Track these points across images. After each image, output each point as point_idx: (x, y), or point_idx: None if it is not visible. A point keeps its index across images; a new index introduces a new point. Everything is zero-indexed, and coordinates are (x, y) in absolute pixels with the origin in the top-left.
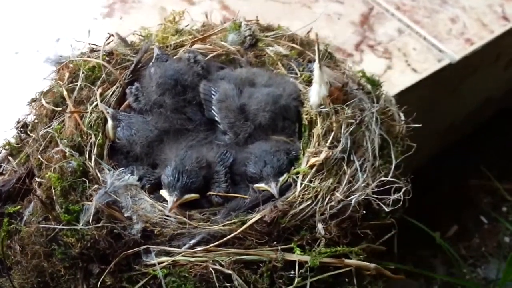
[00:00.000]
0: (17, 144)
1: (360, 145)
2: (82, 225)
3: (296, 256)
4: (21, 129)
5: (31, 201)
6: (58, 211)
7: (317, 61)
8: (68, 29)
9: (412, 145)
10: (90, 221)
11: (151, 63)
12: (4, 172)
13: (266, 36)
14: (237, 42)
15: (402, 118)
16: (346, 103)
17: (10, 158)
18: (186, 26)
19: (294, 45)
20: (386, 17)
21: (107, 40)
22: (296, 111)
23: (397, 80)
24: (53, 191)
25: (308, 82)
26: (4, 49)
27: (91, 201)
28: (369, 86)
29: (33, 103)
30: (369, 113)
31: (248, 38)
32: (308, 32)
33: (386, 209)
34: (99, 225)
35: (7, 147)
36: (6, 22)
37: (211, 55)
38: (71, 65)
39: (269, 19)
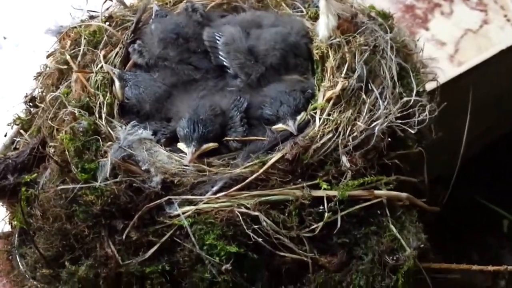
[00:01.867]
0: (27, 118)
1: (377, 74)
2: (100, 182)
3: (323, 191)
4: (30, 103)
5: (46, 167)
6: (74, 171)
7: None
8: None
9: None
10: (108, 177)
11: (151, 20)
12: (17, 146)
13: None
14: None
15: (419, 47)
16: (358, 33)
17: (22, 131)
18: None
19: None
20: None
21: (105, 3)
22: (307, 48)
23: (495, 38)
24: (67, 153)
25: (315, 19)
26: None
27: (106, 157)
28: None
29: (39, 77)
30: (383, 40)
31: None
32: None
33: (412, 131)
34: (117, 180)
35: (18, 122)
36: None
37: (211, 4)
38: (72, 34)
39: None
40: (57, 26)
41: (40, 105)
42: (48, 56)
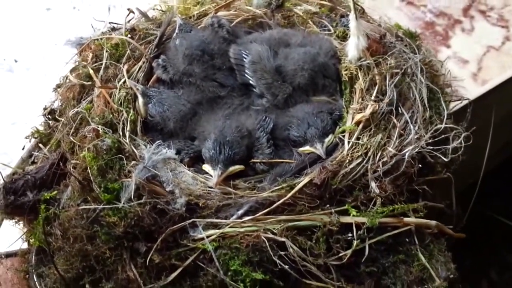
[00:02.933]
0: (46, 131)
1: (406, 97)
2: (124, 203)
3: (352, 217)
4: (49, 116)
5: (67, 185)
6: (97, 191)
7: (352, 11)
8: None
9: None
10: (132, 198)
11: (175, 35)
12: (36, 160)
13: None
14: (262, 4)
15: (447, 68)
16: (387, 55)
17: (40, 145)
18: None
19: (324, 2)
20: None
21: (128, 16)
22: (335, 69)
23: None
24: (89, 171)
25: (343, 38)
26: None
27: (130, 177)
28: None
29: (58, 89)
30: (413, 63)
31: None
32: None
33: (445, 159)
34: (141, 201)
35: (36, 135)
36: None
37: (236, 21)
38: (93, 46)
39: None
40: (77, 38)
41: (60, 118)
42: (72, 70)
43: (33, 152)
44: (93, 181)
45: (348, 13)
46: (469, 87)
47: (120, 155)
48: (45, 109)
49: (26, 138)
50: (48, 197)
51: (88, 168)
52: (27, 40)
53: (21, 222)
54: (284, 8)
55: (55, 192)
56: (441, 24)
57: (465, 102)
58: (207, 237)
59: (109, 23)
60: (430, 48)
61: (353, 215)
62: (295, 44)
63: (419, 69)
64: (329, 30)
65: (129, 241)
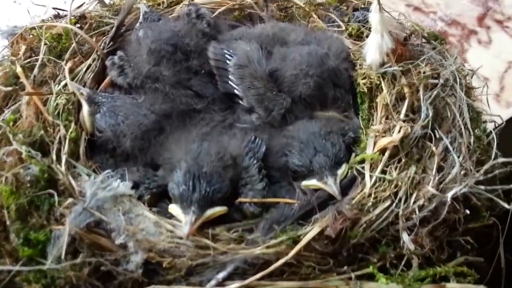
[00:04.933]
0: None
1: (442, 117)
2: (52, 263)
3: (380, 284)
4: None
5: None
6: (14, 242)
7: (376, 1)
8: None
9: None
10: (63, 255)
11: (138, 25)
12: None
13: None
14: None
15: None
16: (415, 61)
17: None
18: None
19: None
20: None
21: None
22: (348, 76)
23: None
24: (5, 212)
25: (358, 37)
26: None
27: (62, 224)
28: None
29: None
30: (449, 72)
31: None
32: None
33: (507, 206)
34: (77, 261)
35: None
36: None
37: (219, 11)
38: (30, 36)
39: None
40: (9, 27)
41: None
42: None
43: None
44: (10, 227)
45: (363, 5)
46: (493, 110)
47: (51, 190)
48: None
49: None
50: None
51: (4, 208)
52: None
53: None
54: None
55: None
56: (455, 35)
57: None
58: None
59: (52, 8)
60: (459, 56)
61: (382, 282)
62: (294, 42)
63: (458, 81)
64: (338, 26)
65: None
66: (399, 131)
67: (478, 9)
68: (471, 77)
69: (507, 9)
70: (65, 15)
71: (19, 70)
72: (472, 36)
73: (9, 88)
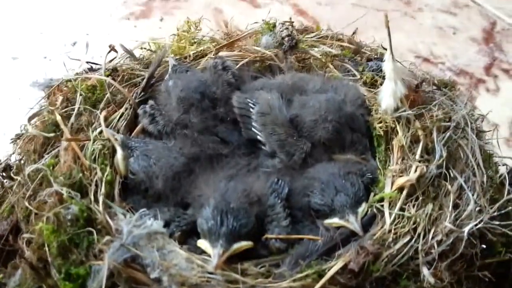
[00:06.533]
0: None
1: (456, 158)
2: None
3: None
4: (3, 173)
5: (16, 266)
6: (55, 277)
7: (389, 50)
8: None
9: None
10: None
11: (167, 76)
12: None
13: (306, 39)
14: (272, 45)
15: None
16: (428, 105)
17: None
18: (205, 35)
19: (345, 44)
20: None
21: (108, 54)
22: (364, 120)
23: None
24: (47, 249)
25: (372, 85)
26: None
27: (101, 260)
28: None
29: (17, 140)
30: (460, 116)
31: (286, 39)
32: (354, 33)
33: None
34: None
35: None
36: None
37: (242, 63)
38: (65, 88)
39: (359, 29)
40: (46, 79)
41: (16, 177)
42: (31, 118)
43: None
44: (51, 263)
45: (375, 56)
46: (504, 152)
47: (90, 228)
48: None
49: None
50: None
51: (46, 246)
52: None
53: None
54: (298, 49)
55: (0, 275)
56: (463, 83)
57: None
58: None
59: (86, 62)
60: (469, 101)
61: None
62: (312, 90)
63: (470, 125)
64: (353, 75)
65: None
66: (415, 170)
67: (485, 59)
68: (481, 122)
69: None
70: (98, 68)
71: (58, 118)
72: (480, 85)
73: (52, 134)
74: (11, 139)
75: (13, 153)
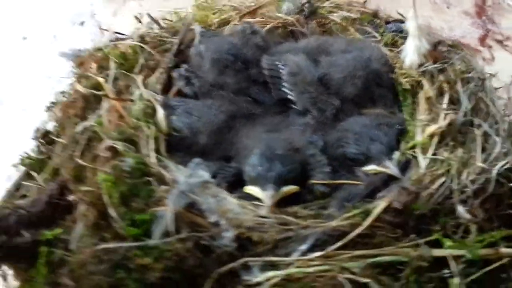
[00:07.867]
0: (39, 157)
1: (479, 107)
2: (159, 239)
3: (448, 250)
4: (42, 139)
5: (75, 220)
6: (118, 225)
7: (412, 9)
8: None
9: None
10: (173, 230)
11: (197, 41)
12: (26, 193)
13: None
14: (293, 11)
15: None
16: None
17: (33, 173)
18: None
19: (363, 9)
20: (505, 8)
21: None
22: (389, 77)
23: None
24: (107, 200)
25: (393, 45)
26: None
27: (162, 206)
28: None
29: (52, 108)
30: (479, 70)
31: (306, 5)
32: (365, 1)
33: None
34: (182, 236)
35: (26, 162)
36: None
37: (265, 29)
38: (96, 57)
39: None
40: (73, 49)
41: (58, 139)
42: (75, 80)
43: (23, 183)
44: (114, 212)
45: (392, 19)
46: None
47: (148, 178)
48: (37, 131)
49: (13, 166)
50: (50, 237)
51: (106, 197)
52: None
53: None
54: (318, 15)
55: (59, 230)
56: None
57: None
58: (267, 280)
59: (114, 32)
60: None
61: (449, 246)
62: (337, 51)
63: (488, 79)
64: (374, 37)
65: None
66: (445, 118)
67: (479, 31)
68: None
69: (505, 30)
70: (126, 38)
71: (101, 79)
72: (476, 54)
73: (101, 92)
74: (46, 107)
75: (49, 121)
